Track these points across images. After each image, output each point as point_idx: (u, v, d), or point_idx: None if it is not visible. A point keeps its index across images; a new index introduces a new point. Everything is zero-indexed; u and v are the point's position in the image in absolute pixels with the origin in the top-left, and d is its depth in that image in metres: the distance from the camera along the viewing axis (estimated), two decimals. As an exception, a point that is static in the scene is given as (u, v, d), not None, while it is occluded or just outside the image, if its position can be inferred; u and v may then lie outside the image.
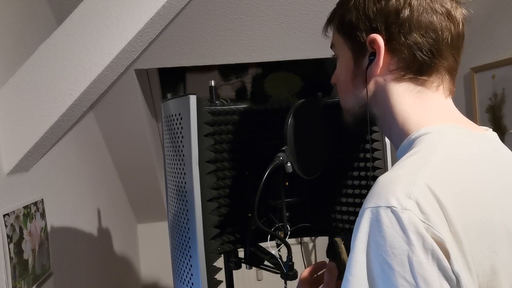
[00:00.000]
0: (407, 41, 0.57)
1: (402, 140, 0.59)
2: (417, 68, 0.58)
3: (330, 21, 0.68)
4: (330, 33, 0.69)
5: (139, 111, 1.86)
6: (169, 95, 0.91)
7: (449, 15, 0.57)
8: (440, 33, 0.57)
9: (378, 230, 0.46)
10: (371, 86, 0.62)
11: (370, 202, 0.48)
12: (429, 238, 0.44)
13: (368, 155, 1.00)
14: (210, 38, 1.66)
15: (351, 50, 0.63)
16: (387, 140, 0.99)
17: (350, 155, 1.03)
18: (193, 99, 0.83)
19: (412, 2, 0.57)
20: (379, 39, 0.58)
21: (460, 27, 0.59)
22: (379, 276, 0.45)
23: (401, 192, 0.46)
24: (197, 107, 0.83)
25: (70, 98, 1.12)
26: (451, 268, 0.43)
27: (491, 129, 0.62)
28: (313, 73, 2.51)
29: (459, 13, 0.59)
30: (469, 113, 1.91)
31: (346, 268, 0.49)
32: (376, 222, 0.46)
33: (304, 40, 1.76)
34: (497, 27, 1.74)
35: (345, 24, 0.63)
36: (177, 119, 0.86)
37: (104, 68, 1.12)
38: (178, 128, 0.86)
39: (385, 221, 0.45)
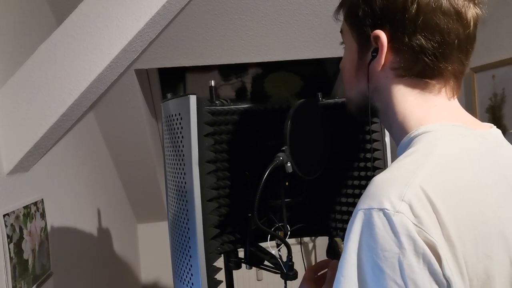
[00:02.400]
0: (411, 42, 0.55)
1: (402, 137, 0.58)
2: (419, 71, 0.56)
3: (340, 6, 0.66)
4: (341, 16, 0.66)
5: (139, 111, 1.86)
6: (169, 95, 0.91)
7: (458, 16, 0.55)
8: (446, 36, 0.54)
9: (370, 232, 0.46)
10: (373, 81, 0.61)
11: (364, 203, 0.48)
12: (421, 241, 0.43)
13: (368, 155, 1.00)
14: (210, 38, 1.66)
15: (356, 42, 0.62)
16: (387, 140, 0.99)
17: (350, 155, 1.03)
18: (193, 99, 0.83)
19: (421, 1, 0.54)
20: (383, 36, 0.56)
21: (471, 28, 0.56)
22: (370, 278, 0.45)
23: (394, 194, 0.46)
24: (197, 107, 0.83)
25: (70, 98, 1.12)
26: (442, 273, 0.43)
27: (495, 127, 0.61)
28: (313, 73, 2.51)
29: (471, 13, 0.56)
30: (469, 113, 1.91)
31: (338, 269, 0.49)
32: (368, 224, 0.46)
33: (304, 40, 1.76)
34: (497, 27, 1.74)
35: (352, 15, 0.61)
36: (177, 119, 0.86)
37: (104, 68, 1.12)
38: (178, 128, 0.86)
39: (377, 224, 0.45)
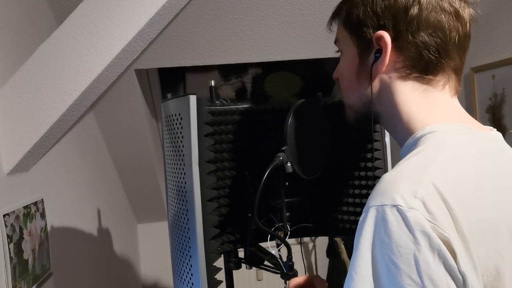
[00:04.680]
0: (415, 39, 0.56)
1: (406, 139, 0.59)
2: (423, 67, 0.57)
3: (335, 15, 0.67)
4: (335, 27, 0.67)
5: (139, 111, 1.86)
6: (169, 95, 0.91)
7: (457, 15, 0.57)
8: (448, 32, 0.56)
9: (384, 229, 0.46)
10: (376, 83, 0.61)
11: (375, 200, 0.48)
12: (436, 237, 0.43)
13: (368, 155, 1.00)
14: (210, 38, 1.66)
15: (356, 46, 0.62)
16: (387, 140, 0.99)
17: (350, 155, 1.03)
18: (193, 99, 0.83)
19: (421, 0, 0.56)
20: (386, 36, 0.57)
21: (468, 27, 0.58)
22: (385, 275, 0.45)
23: (407, 191, 0.46)
24: (197, 107, 0.83)
25: (70, 98, 1.12)
26: (458, 268, 0.43)
27: (496, 129, 0.62)
28: (313, 73, 2.51)
29: (467, 13, 0.58)
30: (469, 113, 1.90)
31: (350, 266, 0.49)
32: (382, 221, 0.46)
33: (304, 40, 1.76)
34: (497, 27, 1.74)
35: (352, 19, 0.62)
36: (177, 119, 0.86)
37: (104, 68, 1.12)
38: (178, 128, 0.86)
39: (391, 220, 0.45)
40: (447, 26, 0.56)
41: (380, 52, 0.58)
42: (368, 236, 0.47)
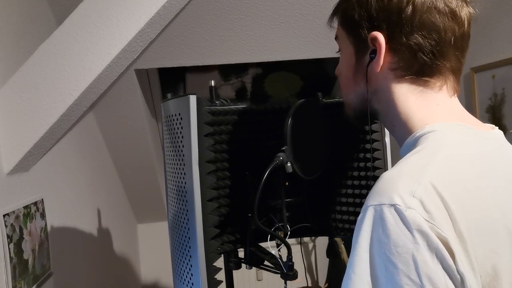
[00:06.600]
0: (409, 41, 0.56)
1: (405, 137, 0.59)
2: (418, 69, 0.57)
3: (335, 12, 0.67)
4: (335, 23, 0.67)
5: (139, 111, 1.86)
6: (169, 95, 0.91)
7: (453, 15, 0.56)
8: (443, 34, 0.55)
9: (382, 228, 0.45)
10: (372, 83, 0.61)
11: (373, 199, 0.48)
12: (434, 237, 0.43)
13: (368, 155, 1.00)
14: (210, 38, 1.66)
15: (353, 45, 0.63)
16: (387, 140, 0.99)
17: (350, 155, 1.03)
18: (193, 99, 0.83)
19: (416, 1, 0.55)
20: (380, 38, 0.57)
21: (465, 27, 0.57)
22: (383, 275, 0.45)
23: (405, 190, 0.46)
24: (197, 107, 0.83)
25: (70, 98, 1.12)
26: (456, 268, 0.43)
27: (497, 127, 0.61)
28: (313, 73, 2.51)
29: (464, 12, 0.57)
30: (469, 113, 1.91)
31: (348, 265, 0.48)
32: (379, 220, 0.46)
33: (304, 40, 1.76)
34: (497, 27, 1.74)
35: (348, 19, 0.62)
36: (177, 119, 0.86)
37: (104, 68, 1.12)
38: (178, 128, 0.86)
39: (389, 219, 0.45)
40: (442, 27, 0.55)
41: (375, 52, 0.58)
42: (366, 235, 0.47)
